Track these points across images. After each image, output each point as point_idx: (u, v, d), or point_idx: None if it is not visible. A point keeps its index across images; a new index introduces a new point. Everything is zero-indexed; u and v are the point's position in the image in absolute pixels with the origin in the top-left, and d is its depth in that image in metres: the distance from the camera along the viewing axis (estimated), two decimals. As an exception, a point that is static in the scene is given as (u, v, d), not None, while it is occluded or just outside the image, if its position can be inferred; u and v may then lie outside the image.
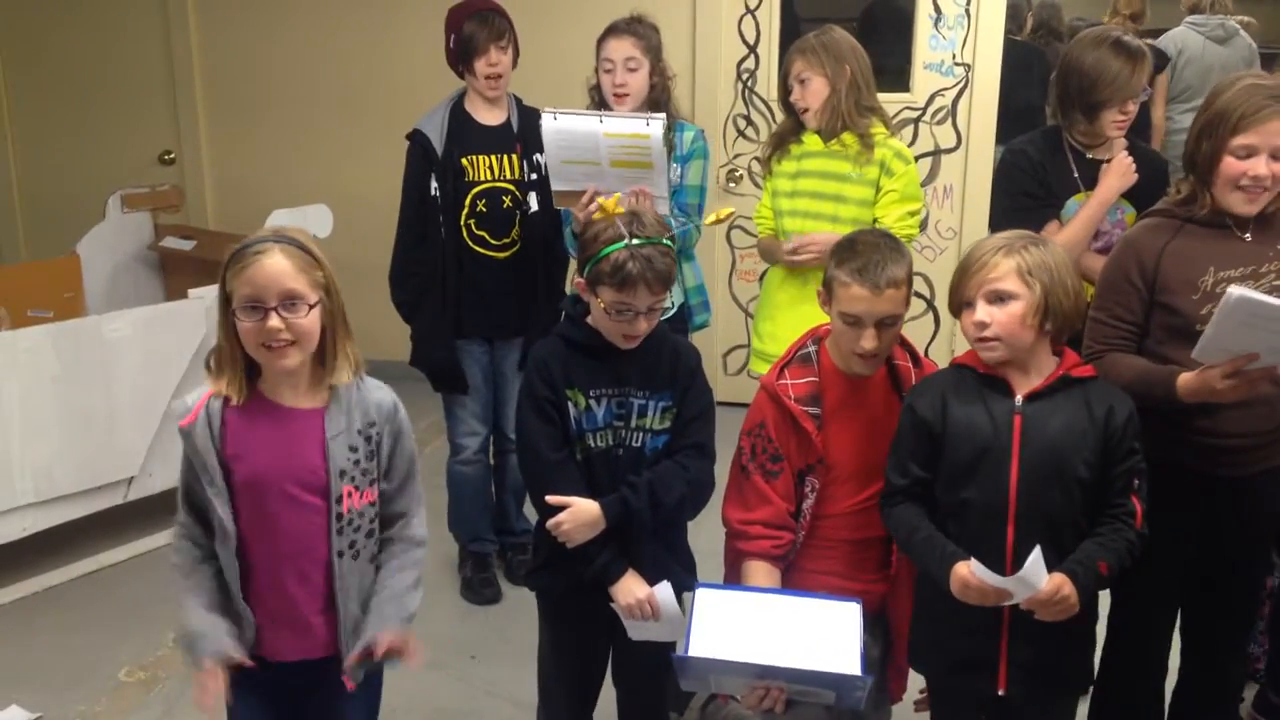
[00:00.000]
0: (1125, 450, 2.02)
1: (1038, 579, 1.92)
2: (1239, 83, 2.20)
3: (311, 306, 1.84)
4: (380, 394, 1.99)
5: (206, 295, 3.69)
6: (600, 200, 2.14)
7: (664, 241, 2.14)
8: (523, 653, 2.52)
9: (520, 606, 2.59)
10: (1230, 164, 2.16)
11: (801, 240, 2.92)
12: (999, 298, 1.99)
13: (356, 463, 1.92)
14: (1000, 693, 2.09)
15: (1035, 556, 1.90)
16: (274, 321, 1.80)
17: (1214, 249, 2.22)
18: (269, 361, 1.86)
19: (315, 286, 1.85)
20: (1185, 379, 2.13)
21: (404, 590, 2.00)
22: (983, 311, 2.01)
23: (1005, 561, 2.00)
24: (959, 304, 2.07)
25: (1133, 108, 2.77)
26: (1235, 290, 1.93)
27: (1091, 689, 2.50)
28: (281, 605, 1.94)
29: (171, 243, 4.62)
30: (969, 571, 1.96)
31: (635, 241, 2.09)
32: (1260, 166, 2.14)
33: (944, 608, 2.05)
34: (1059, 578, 1.95)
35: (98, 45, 5.50)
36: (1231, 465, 2.28)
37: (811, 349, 2.28)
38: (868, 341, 2.15)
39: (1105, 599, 2.34)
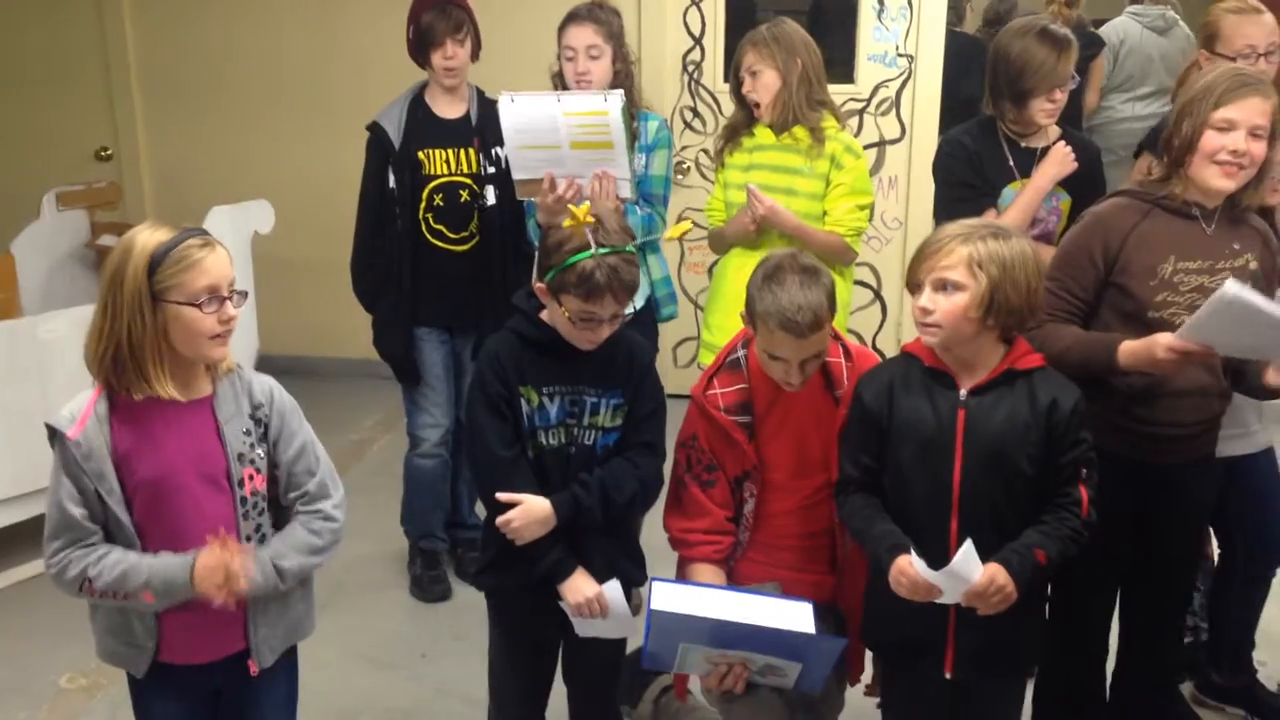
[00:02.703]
0: (1072, 440, 2.04)
1: (970, 573, 1.94)
2: (1218, 68, 2.26)
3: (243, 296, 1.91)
4: (260, 379, 2.02)
5: (146, 294, 3.62)
6: (571, 208, 2.10)
7: (629, 249, 2.13)
8: (474, 650, 2.51)
9: (471, 604, 2.58)
10: (1211, 137, 2.18)
11: (759, 193, 2.91)
12: (945, 286, 2.00)
13: (251, 446, 1.95)
14: (948, 676, 2.11)
15: (966, 550, 1.92)
16: (231, 309, 1.87)
17: (1177, 238, 2.24)
18: (214, 350, 1.88)
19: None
20: (1129, 344, 2.16)
21: (296, 542, 1.97)
22: (927, 298, 2.01)
23: (949, 553, 2.01)
24: (912, 284, 2.07)
25: (1060, 96, 2.80)
26: (1231, 288, 1.94)
27: (1037, 672, 2.54)
28: (194, 604, 1.90)
29: (109, 240, 4.52)
30: (907, 563, 1.98)
31: (601, 250, 2.07)
32: (1239, 141, 2.16)
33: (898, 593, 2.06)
34: (993, 568, 1.96)
35: (30, 38, 5.37)
36: (1166, 454, 2.31)
37: (741, 354, 2.28)
38: (794, 377, 2.16)
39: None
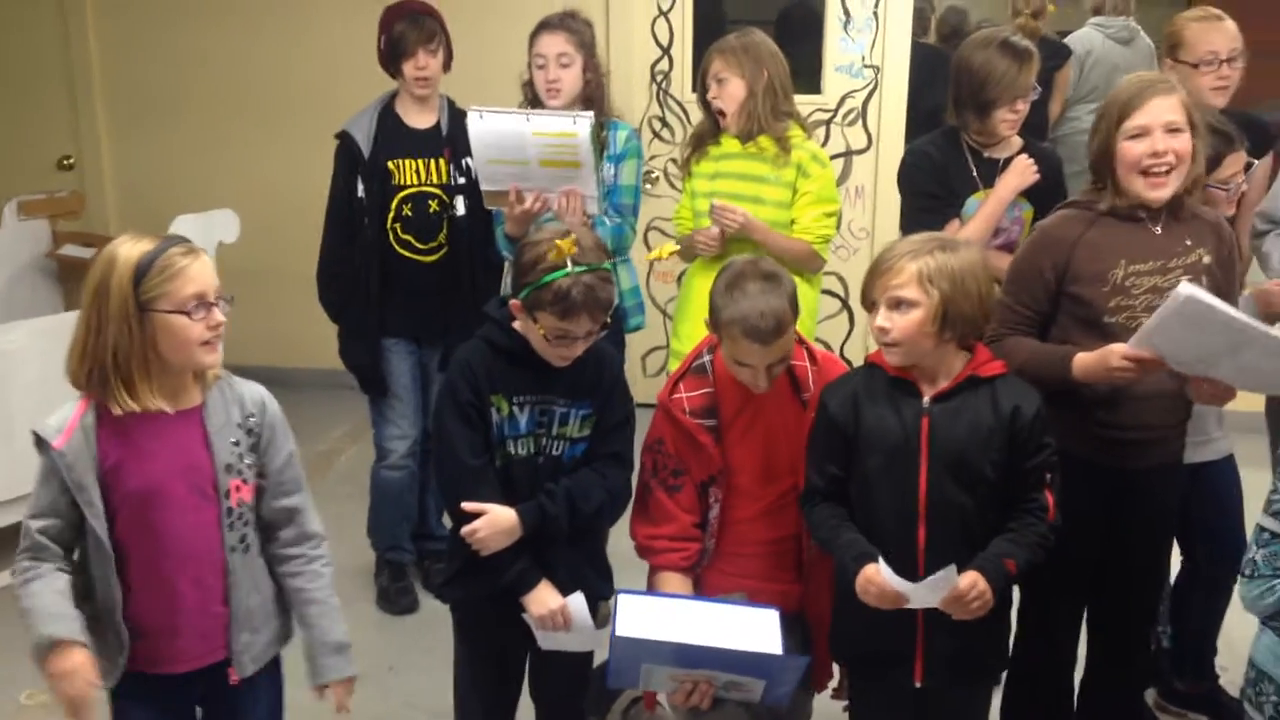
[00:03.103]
0: (1035, 445, 2.06)
1: (942, 592, 1.96)
2: (1124, 80, 2.28)
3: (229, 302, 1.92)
4: (251, 388, 2.01)
5: (108, 304, 3.58)
6: (557, 242, 2.09)
7: (604, 266, 2.13)
8: (442, 663, 2.50)
9: (438, 616, 2.57)
10: (1128, 149, 2.20)
11: (725, 205, 2.92)
12: (899, 304, 2.02)
13: (240, 456, 1.94)
14: (918, 685, 2.12)
15: (948, 573, 1.94)
16: (219, 314, 1.88)
17: (1126, 242, 2.26)
18: (205, 356, 1.88)
19: None
20: (1082, 357, 2.18)
21: (336, 610, 2.07)
22: (883, 317, 2.04)
23: (917, 560, 2.04)
24: (867, 304, 2.10)
25: (1022, 106, 2.82)
26: (1185, 288, 1.96)
27: (1004, 679, 2.55)
28: (175, 613, 1.91)
29: (71, 250, 4.48)
30: (875, 572, 1.99)
31: (578, 269, 2.07)
32: (1158, 142, 2.18)
33: (862, 601, 2.07)
34: (973, 575, 1.98)
35: (-9, 46, 5.32)
36: (1132, 458, 2.33)
37: (706, 359, 2.29)
38: (760, 381, 2.17)
39: (1016, 590, 2.38)
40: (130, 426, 1.86)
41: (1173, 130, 2.19)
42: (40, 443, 1.86)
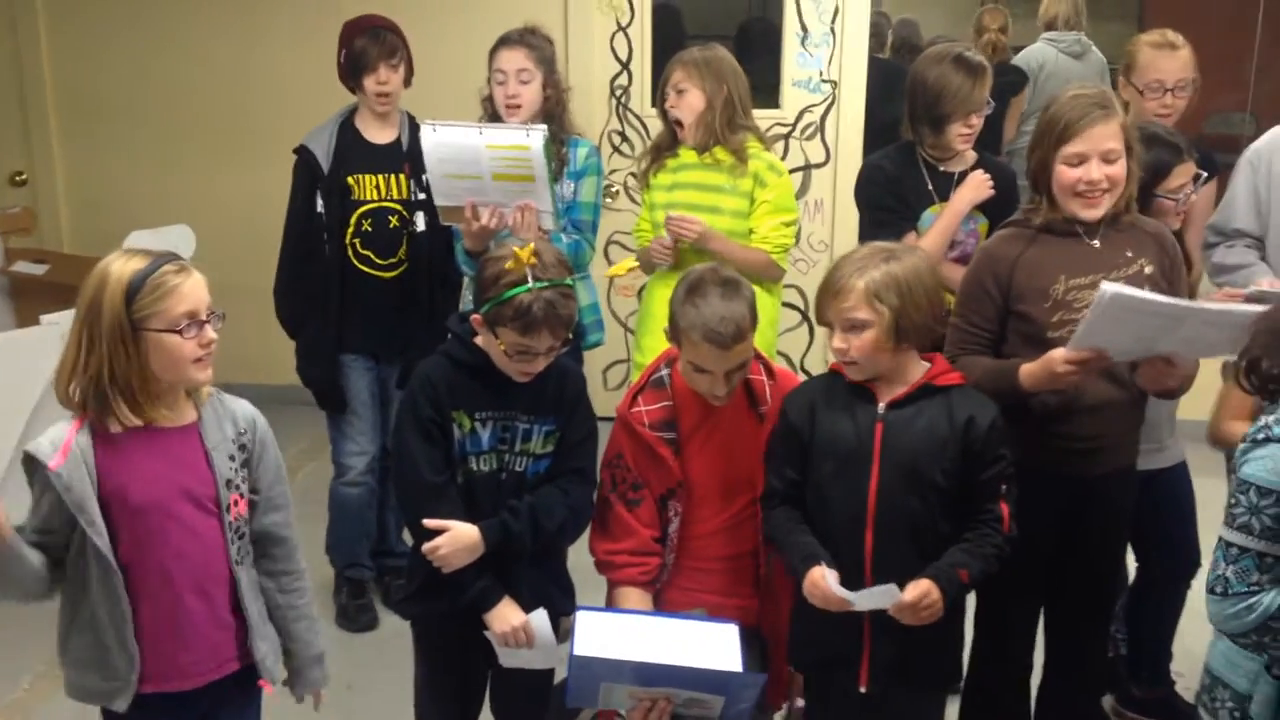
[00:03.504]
0: (991, 456, 2.09)
1: (886, 603, 1.99)
2: (1063, 95, 2.30)
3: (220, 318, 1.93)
4: (242, 405, 2.04)
5: (61, 321, 3.53)
6: (515, 250, 2.10)
7: (566, 283, 2.12)
8: (402, 681, 2.48)
9: (399, 633, 2.55)
10: (1064, 172, 2.24)
11: (682, 215, 2.93)
12: (853, 326, 2.05)
13: (236, 471, 1.97)
14: (863, 690, 2.14)
15: (888, 589, 1.97)
16: (211, 332, 1.89)
17: (1065, 258, 2.30)
18: (198, 374, 1.89)
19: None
20: (1028, 367, 2.21)
21: (318, 624, 2.17)
22: (840, 339, 2.08)
23: (864, 564, 2.07)
24: (821, 322, 2.14)
25: (976, 121, 2.86)
26: (1109, 287, 2.00)
27: (963, 687, 2.57)
28: (184, 628, 1.93)
29: (23, 267, 4.43)
30: (820, 575, 2.02)
31: (539, 284, 2.07)
32: (1093, 171, 2.22)
33: (813, 606, 2.09)
34: (925, 584, 2.01)
35: (-59, 61, 5.24)
36: (1086, 466, 2.36)
37: (665, 372, 2.29)
38: (719, 389, 2.17)
39: (972, 599, 2.40)
40: (127, 444, 1.87)
41: (1109, 159, 2.23)
42: (32, 463, 1.85)
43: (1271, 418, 1.73)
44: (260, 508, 2.02)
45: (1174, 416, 2.72)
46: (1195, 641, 2.29)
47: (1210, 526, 2.03)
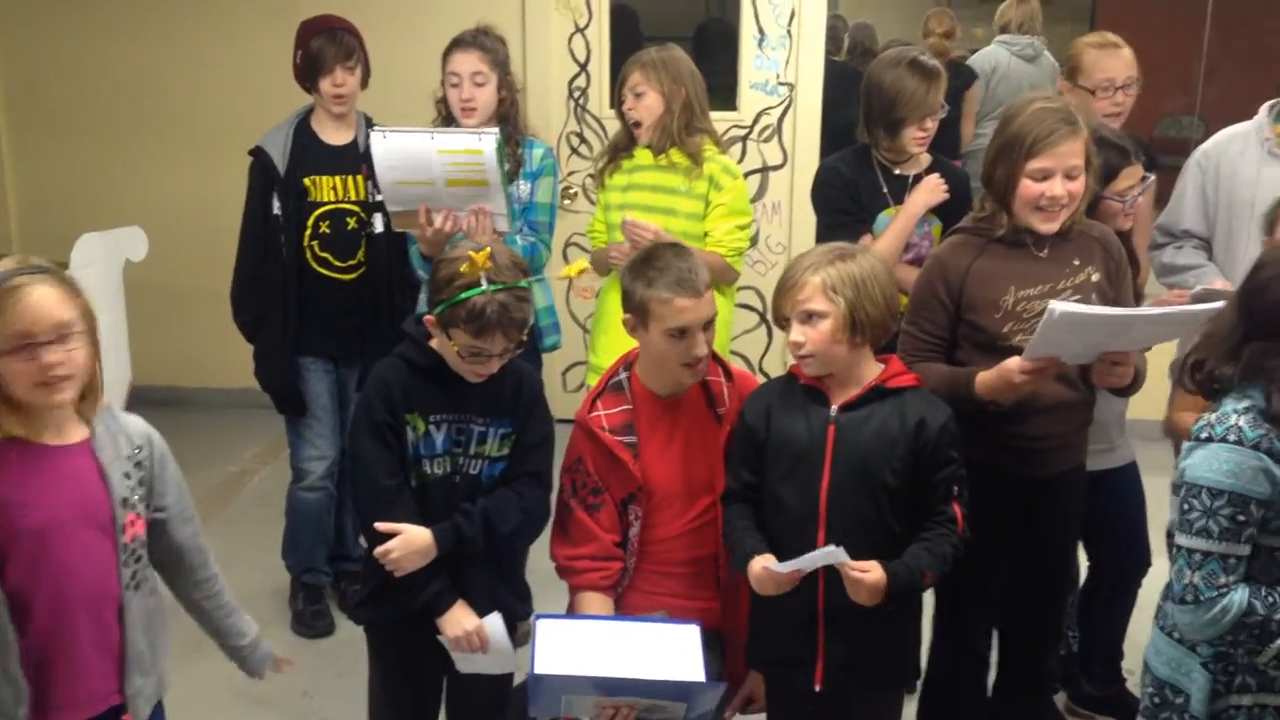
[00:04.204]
0: (942, 459, 2.11)
1: (827, 559, 1.99)
2: (1030, 106, 2.30)
3: (84, 335, 1.78)
4: (135, 421, 1.95)
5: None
6: (470, 254, 2.09)
7: (521, 285, 2.12)
8: (359, 687, 2.46)
9: (356, 639, 2.53)
10: (1028, 186, 2.26)
11: (636, 221, 2.93)
12: (809, 317, 2.06)
13: (133, 489, 1.88)
14: (817, 689, 2.15)
15: (830, 550, 1.98)
16: (51, 357, 1.72)
17: (1014, 268, 2.32)
18: (44, 399, 1.76)
19: (83, 314, 1.79)
20: (983, 376, 2.24)
21: (241, 610, 2.14)
22: (796, 331, 2.09)
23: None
24: (779, 321, 2.15)
25: (931, 124, 2.89)
26: (1057, 306, 2.02)
27: (921, 686, 2.59)
28: (75, 656, 1.83)
29: (-30, 270, 4.33)
30: (760, 566, 2.05)
31: (492, 287, 2.06)
32: (1056, 187, 2.25)
33: (767, 605, 2.11)
34: (875, 566, 2.01)
35: (-117, 58, 5.14)
36: (1041, 465, 2.40)
37: (623, 376, 2.30)
38: (699, 348, 2.18)
39: (930, 599, 2.42)
40: (13, 463, 1.77)
41: (1072, 175, 2.26)
42: None
43: (1213, 416, 1.76)
44: (172, 524, 1.95)
45: (1124, 417, 2.76)
46: (1146, 639, 2.32)
47: (1160, 525, 2.07)
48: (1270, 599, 1.73)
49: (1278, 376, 1.70)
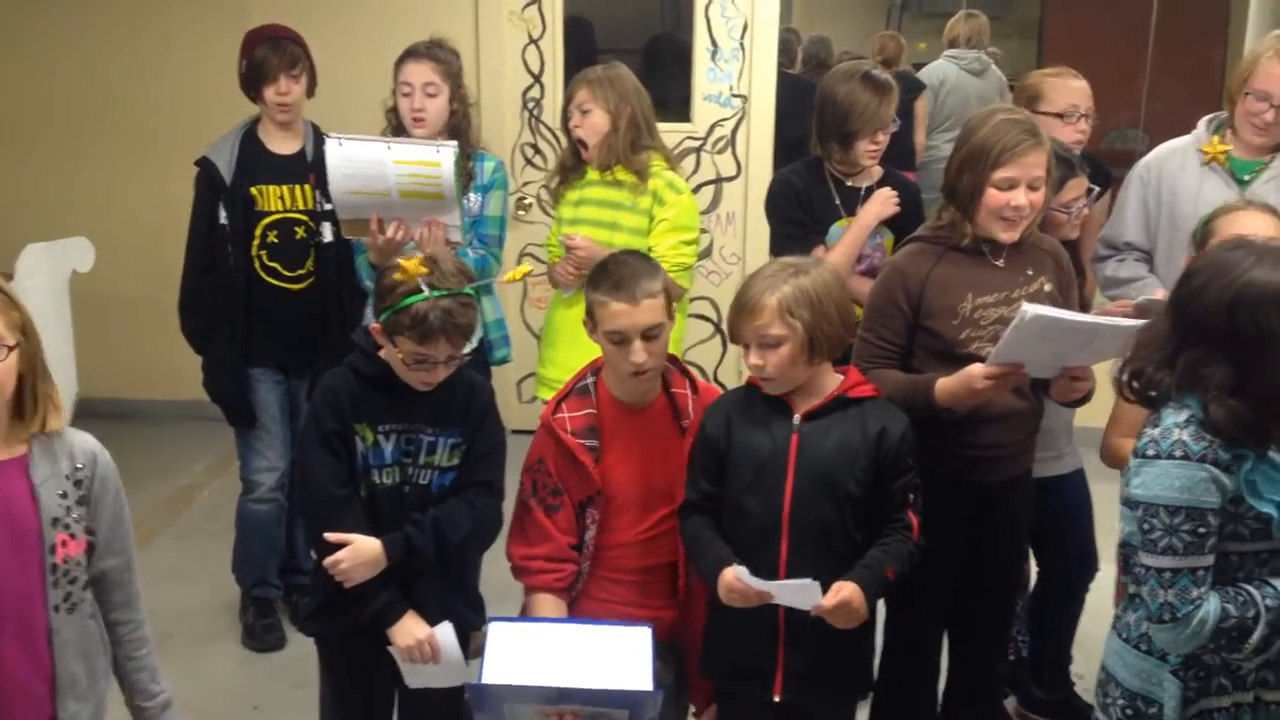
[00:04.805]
0: (900, 467, 2.14)
1: (805, 598, 2.01)
2: (993, 118, 2.34)
3: (10, 350, 1.72)
4: (83, 439, 1.88)
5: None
6: (402, 263, 2.08)
7: (465, 291, 2.11)
8: (311, 701, 2.44)
9: (308, 653, 2.50)
10: (993, 196, 2.29)
11: (569, 236, 2.95)
12: (768, 343, 2.08)
13: (68, 509, 1.81)
14: (776, 699, 2.17)
15: (806, 585, 2.00)
16: None
17: (972, 276, 2.36)
18: None
19: (12, 328, 1.74)
20: (944, 382, 2.26)
21: (159, 670, 2.00)
22: (756, 356, 2.10)
23: (779, 573, 2.09)
24: (735, 339, 2.16)
25: (883, 138, 2.92)
26: (1030, 308, 2.05)
27: (873, 693, 2.61)
28: (3, 685, 1.77)
29: (-89, 281, 4.25)
30: (734, 576, 2.04)
31: (436, 293, 2.06)
32: (1020, 197, 2.28)
33: (728, 616, 2.12)
34: (849, 588, 2.03)
35: None
36: (989, 473, 2.43)
37: (590, 381, 2.31)
38: (636, 355, 2.17)
39: (881, 608, 2.44)
40: None
41: (1035, 186, 2.29)
42: None
43: (1156, 431, 1.76)
44: (98, 551, 1.86)
45: (1071, 425, 2.80)
46: (1094, 643, 2.35)
47: (1107, 530, 2.10)
48: (1239, 597, 1.74)
49: (1212, 385, 1.71)
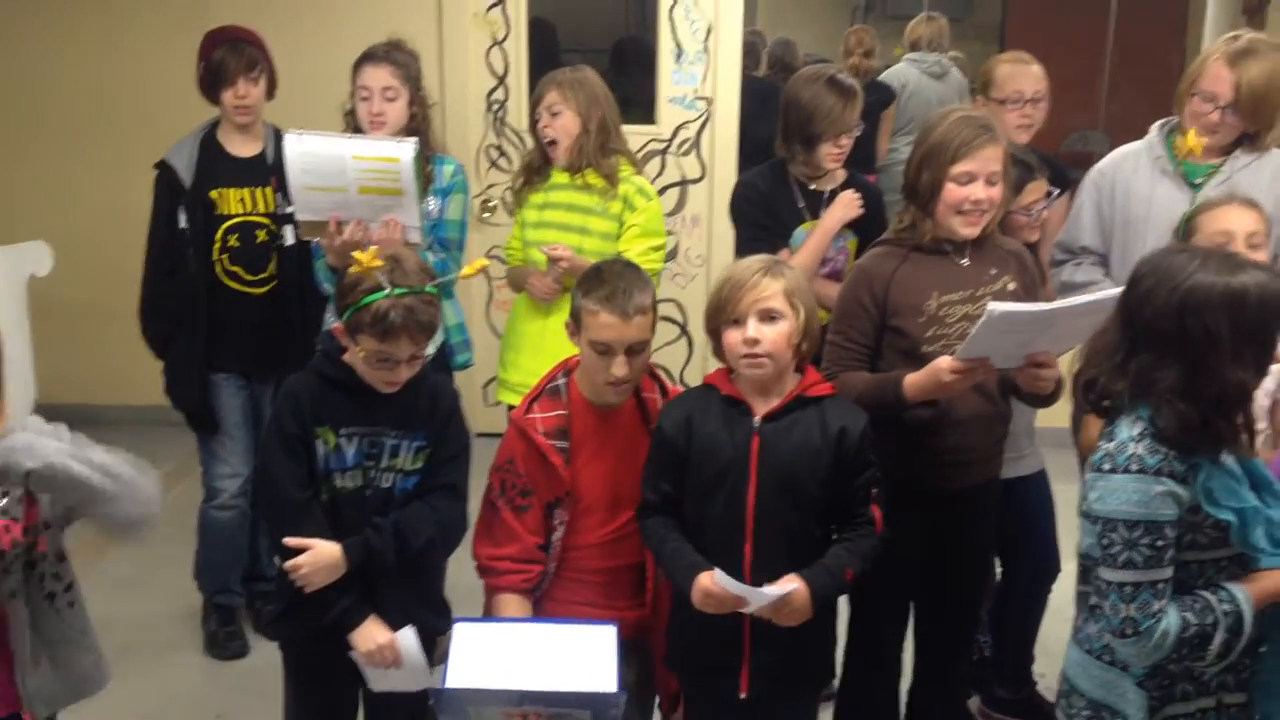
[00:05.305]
0: (861, 463, 2.15)
1: (773, 602, 2.03)
2: (950, 116, 2.37)
3: None
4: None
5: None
6: (356, 255, 2.07)
7: (427, 289, 2.11)
8: (274, 710, 2.42)
9: (271, 661, 2.48)
10: (952, 190, 2.31)
11: (555, 247, 2.94)
12: (770, 316, 2.08)
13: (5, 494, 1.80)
14: (743, 695, 2.18)
15: (778, 589, 2.01)
16: None
17: (936, 275, 2.38)
18: None
19: None
20: (912, 377, 2.27)
21: None
22: (754, 329, 2.08)
23: (743, 575, 2.09)
24: (726, 321, 2.12)
25: (846, 141, 2.94)
26: (996, 306, 2.07)
27: (837, 691, 2.63)
28: None
29: None
30: (711, 581, 2.04)
31: (397, 290, 2.05)
32: (979, 191, 2.31)
33: (693, 614, 2.12)
34: (798, 586, 2.05)
35: None
36: (955, 478, 2.44)
37: (561, 381, 2.30)
38: (619, 369, 2.18)
39: (844, 607, 2.45)
40: None
41: (993, 181, 2.32)
42: None
43: (1111, 445, 1.78)
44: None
45: (1032, 426, 2.82)
46: (1057, 643, 2.37)
47: (1070, 530, 2.11)
48: (1197, 604, 1.76)
49: (1164, 390, 1.72)
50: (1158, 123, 2.91)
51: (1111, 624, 1.77)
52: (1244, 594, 1.76)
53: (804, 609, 2.06)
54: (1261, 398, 2.44)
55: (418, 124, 3.07)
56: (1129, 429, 1.77)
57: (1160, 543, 1.73)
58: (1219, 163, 2.80)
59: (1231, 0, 5.53)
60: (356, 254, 2.08)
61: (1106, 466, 1.77)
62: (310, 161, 2.69)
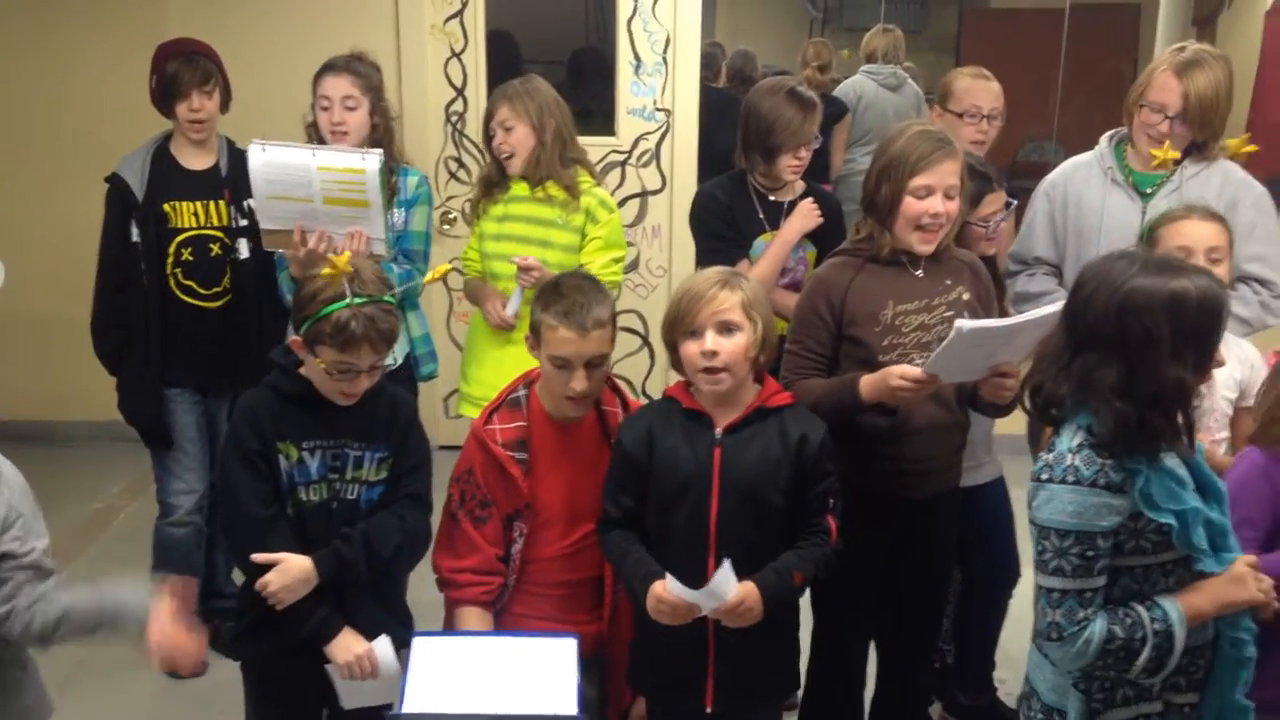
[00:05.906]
0: (820, 473, 2.17)
1: (726, 590, 2.02)
2: (908, 130, 2.39)
3: None
4: None
5: None
6: (331, 257, 2.06)
7: (386, 299, 2.10)
8: (232, 729, 2.39)
9: (229, 679, 2.46)
10: (910, 204, 2.33)
11: (526, 259, 2.93)
12: (728, 328, 2.09)
13: None
14: (708, 710, 2.18)
15: (724, 570, 2.00)
16: None
17: (892, 285, 2.40)
18: None
19: None
20: (868, 377, 2.29)
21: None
22: (712, 341, 2.09)
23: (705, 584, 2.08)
24: (684, 333, 2.13)
25: (805, 153, 2.96)
26: (965, 324, 2.09)
27: (800, 702, 2.63)
28: None
29: None
30: (663, 589, 2.04)
31: (357, 300, 2.04)
32: (937, 204, 2.33)
33: (656, 629, 2.12)
34: (745, 587, 2.06)
35: None
36: (915, 488, 2.46)
37: (521, 393, 2.30)
38: (578, 383, 2.18)
39: (808, 618, 2.46)
40: None
41: (950, 195, 2.34)
42: None
43: (1050, 456, 1.81)
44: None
45: (990, 434, 2.85)
46: (1017, 649, 2.40)
47: (1029, 536, 2.14)
48: (1128, 619, 1.78)
49: (1104, 389, 1.74)
50: (1107, 134, 2.96)
51: (1040, 626, 1.82)
52: (1178, 612, 1.79)
53: (756, 609, 2.06)
54: (1224, 406, 2.49)
55: (380, 135, 3.06)
56: (1068, 440, 1.80)
57: (1090, 553, 1.76)
58: (1169, 173, 2.84)
59: (1182, 12, 5.63)
60: (331, 256, 2.07)
61: (1045, 476, 1.80)
62: (275, 172, 2.68)
